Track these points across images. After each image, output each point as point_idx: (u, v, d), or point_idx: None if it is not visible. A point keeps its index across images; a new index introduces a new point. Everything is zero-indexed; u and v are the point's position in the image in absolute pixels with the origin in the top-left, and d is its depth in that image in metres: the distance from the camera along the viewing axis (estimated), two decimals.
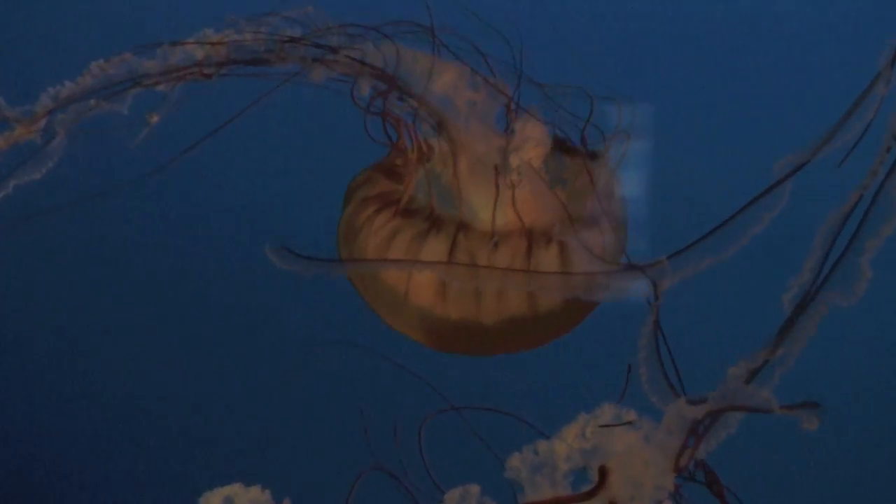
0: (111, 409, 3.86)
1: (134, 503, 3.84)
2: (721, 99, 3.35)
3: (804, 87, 3.29)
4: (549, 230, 1.65)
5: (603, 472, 1.36)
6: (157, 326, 3.72)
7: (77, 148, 1.85)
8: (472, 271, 1.61)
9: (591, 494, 1.36)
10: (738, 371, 1.32)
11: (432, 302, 1.65)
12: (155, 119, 1.56)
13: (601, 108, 1.80)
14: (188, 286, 3.64)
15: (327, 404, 3.61)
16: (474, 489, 1.46)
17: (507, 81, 1.73)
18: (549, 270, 1.64)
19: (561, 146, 1.84)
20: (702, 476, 1.43)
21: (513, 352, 1.64)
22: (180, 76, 1.58)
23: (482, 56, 1.73)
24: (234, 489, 1.51)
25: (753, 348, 1.42)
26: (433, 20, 1.69)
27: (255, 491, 1.51)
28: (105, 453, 3.86)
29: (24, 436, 3.93)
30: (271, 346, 3.67)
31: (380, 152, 1.88)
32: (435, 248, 1.67)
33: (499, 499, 1.51)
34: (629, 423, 1.44)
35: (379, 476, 1.87)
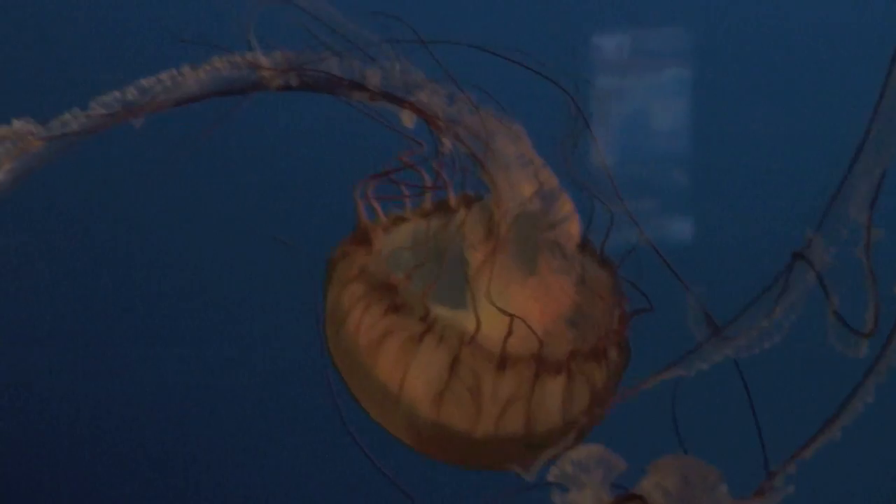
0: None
1: None
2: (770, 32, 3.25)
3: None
4: (561, 359, 1.50)
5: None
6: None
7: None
8: (471, 397, 1.48)
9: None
10: None
11: (424, 405, 1.52)
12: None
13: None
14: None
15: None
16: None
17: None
18: (552, 399, 1.51)
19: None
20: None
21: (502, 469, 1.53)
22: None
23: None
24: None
25: None
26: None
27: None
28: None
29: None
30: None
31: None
32: (433, 358, 1.49)
33: None
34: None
35: None
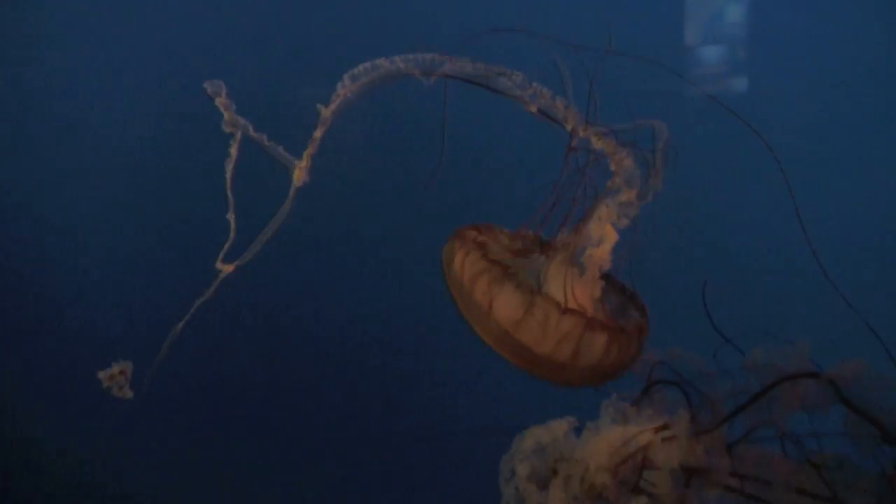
0: None
1: None
2: None
3: None
4: (605, 323, 2.23)
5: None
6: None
7: None
8: (540, 323, 2.21)
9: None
10: None
11: (507, 324, 2.22)
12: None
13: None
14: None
15: None
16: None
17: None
18: (595, 347, 2.23)
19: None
20: None
21: (561, 384, 2.29)
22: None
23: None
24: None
25: None
26: None
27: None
28: None
29: None
30: None
31: None
32: (513, 296, 2.22)
33: None
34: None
35: None
